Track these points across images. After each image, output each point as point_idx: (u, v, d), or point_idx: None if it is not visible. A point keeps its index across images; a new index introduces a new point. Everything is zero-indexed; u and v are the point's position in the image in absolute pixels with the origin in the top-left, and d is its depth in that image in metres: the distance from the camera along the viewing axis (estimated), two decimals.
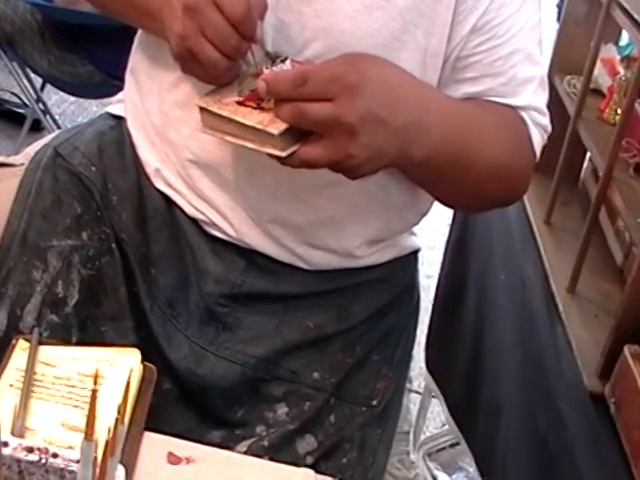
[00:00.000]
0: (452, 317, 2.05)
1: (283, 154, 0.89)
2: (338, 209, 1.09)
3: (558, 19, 1.99)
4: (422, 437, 2.41)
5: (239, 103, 0.92)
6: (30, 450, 0.78)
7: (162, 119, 1.09)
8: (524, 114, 1.07)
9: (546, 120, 1.10)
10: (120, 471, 0.78)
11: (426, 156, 0.95)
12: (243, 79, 0.94)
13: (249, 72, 0.94)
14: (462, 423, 1.96)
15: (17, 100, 3.61)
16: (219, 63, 0.90)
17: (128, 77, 1.18)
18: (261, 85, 0.89)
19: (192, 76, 0.95)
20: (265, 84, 0.88)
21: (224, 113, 0.91)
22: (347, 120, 0.87)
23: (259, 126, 0.88)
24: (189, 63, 0.92)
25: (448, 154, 0.98)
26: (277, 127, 0.88)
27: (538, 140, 1.09)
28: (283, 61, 0.94)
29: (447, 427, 2.37)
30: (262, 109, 0.90)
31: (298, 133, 0.89)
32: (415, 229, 1.22)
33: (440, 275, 2.21)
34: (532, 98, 1.07)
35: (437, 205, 1.19)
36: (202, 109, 0.93)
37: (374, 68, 0.91)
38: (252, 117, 0.90)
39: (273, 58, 0.94)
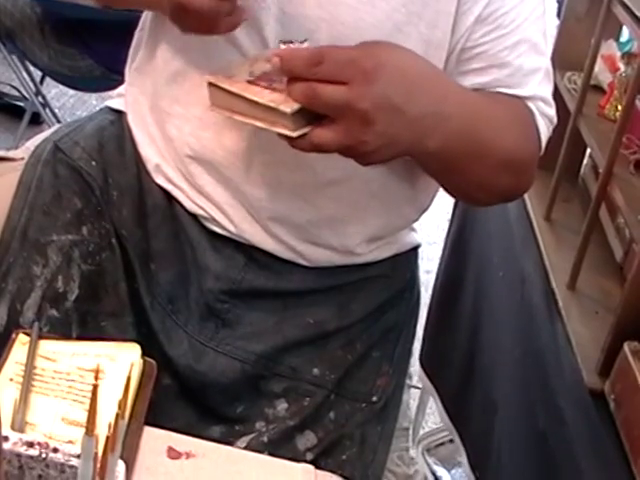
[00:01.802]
0: (448, 313, 2.05)
1: (294, 134, 0.87)
2: (339, 208, 1.09)
3: (559, 15, 1.99)
4: (421, 432, 2.41)
5: (250, 82, 0.90)
6: (30, 445, 0.78)
7: (162, 115, 1.09)
8: (531, 104, 1.06)
9: (552, 111, 1.10)
10: (120, 466, 0.78)
11: (440, 146, 0.94)
12: (255, 62, 0.92)
13: (261, 56, 0.93)
14: (456, 419, 1.96)
15: (16, 93, 3.61)
16: (206, 5, 0.87)
17: (128, 72, 1.17)
18: (275, 60, 0.86)
19: (191, 33, 0.92)
20: (279, 60, 0.86)
21: (234, 90, 0.89)
22: (361, 106, 0.86)
23: (271, 104, 0.86)
24: (183, 19, 0.90)
25: (462, 144, 0.97)
26: (290, 106, 0.86)
27: (544, 131, 1.09)
28: (302, 42, 0.92)
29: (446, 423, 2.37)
30: (274, 89, 0.88)
31: (310, 115, 0.87)
32: (415, 225, 1.22)
33: (438, 271, 2.21)
34: (538, 88, 1.07)
35: (437, 201, 1.19)
36: (211, 85, 0.91)
37: (391, 55, 0.90)
38: (263, 96, 0.88)
39: (289, 42, 0.92)
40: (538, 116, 1.07)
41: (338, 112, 0.86)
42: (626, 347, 1.26)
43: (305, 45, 0.92)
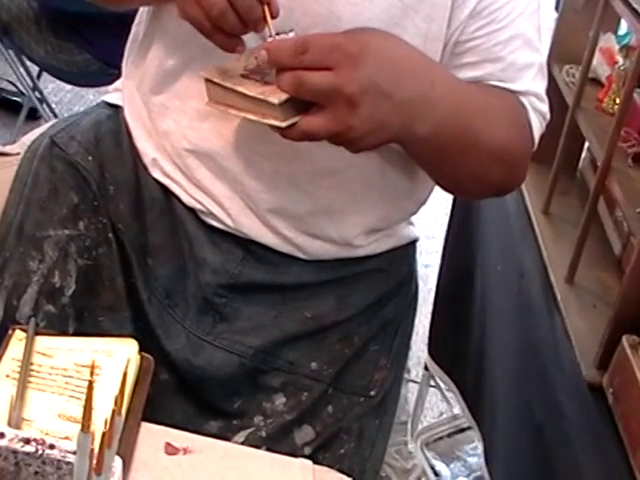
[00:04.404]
0: (457, 306, 2.04)
1: (283, 124, 0.88)
2: (337, 198, 1.08)
3: (557, 8, 1.99)
4: (420, 427, 2.42)
5: (243, 76, 0.92)
6: (27, 441, 0.77)
7: (159, 109, 1.09)
8: (524, 100, 1.06)
9: (545, 107, 1.10)
10: (117, 462, 0.78)
11: (430, 132, 0.94)
12: (249, 56, 0.94)
13: (256, 50, 0.94)
14: (474, 410, 1.95)
15: (13, 88, 3.60)
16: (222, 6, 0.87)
17: (125, 66, 1.17)
18: (263, 54, 0.88)
19: (191, 20, 0.91)
20: (267, 52, 0.88)
21: (227, 84, 0.91)
22: (347, 91, 0.86)
23: (260, 96, 0.88)
24: (188, 3, 0.89)
25: (451, 132, 0.97)
26: (278, 97, 0.88)
27: (537, 126, 1.09)
28: (287, 33, 0.93)
29: (445, 416, 2.37)
30: (266, 82, 0.91)
31: (300, 105, 0.89)
32: (413, 219, 1.22)
33: (441, 266, 2.21)
34: (531, 84, 1.06)
35: (435, 195, 1.19)
36: (207, 81, 0.93)
37: (377, 40, 0.90)
38: (254, 88, 0.90)
39: (279, 34, 0.94)
40: (531, 111, 1.07)
41: (325, 98, 0.87)
42: (624, 340, 1.26)
43: (291, 35, 0.93)
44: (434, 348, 2.20)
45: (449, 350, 2.12)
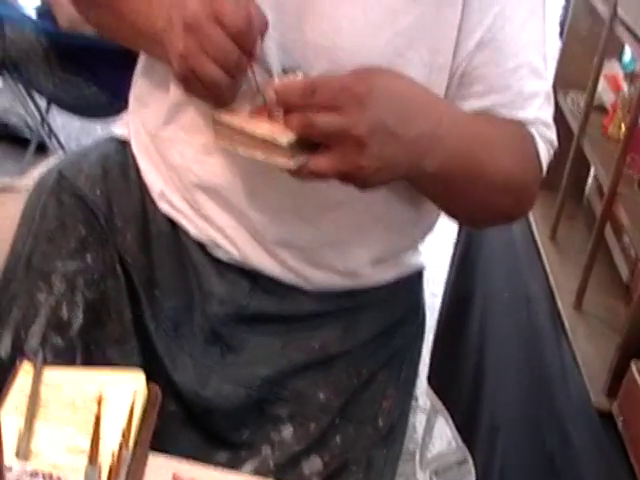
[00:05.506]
0: (456, 335, 2.04)
1: (292, 167, 0.89)
2: (343, 230, 1.09)
3: (561, 35, 2.00)
4: (429, 455, 2.40)
5: (251, 115, 0.92)
6: (35, 475, 0.77)
7: (165, 143, 1.09)
8: (531, 128, 1.07)
9: (553, 134, 1.10)
10: None
11: (438, 168, 0.95)
12: (257, 93, 0.94)
13: (263, 87, 0.94)
14: (467, 440, 1.95)
15: (22, 123, 3.62)
16: (221, 81, 0.90)
17: (131, 100, 1.18)
18: (271, 95, 0.89)
19: (194, 97, 0.95)
20: (275, 93, 0.89)
21: (235, 124, 0.92)
22: (356, 132, 0.87)
23: (268, 137, 0.89)
24: (191, 83, 0.92)
25: (459, 166, 0.98)
26: (287, 137, 0.88)
27: (545, 154, 1.09)
28: (295, 71, 0.94)
29: (454, 445, 2.36)
30: (273, 121, 0.91)
31: (308, 145, 0.89)
32: (420, 248, 1.22)
33: (444, 293, 2.21)
34: (539, 112, 1.07)
35: (442, 223, 1.19)
36: (215, 120, 0.94)
37: (384, 80, 0.91)
38: (262, 128, 0.90)
39: (287, 72, 0.95)
40: (539, 139, 1.07)
41: (334, 139, 0.88)
42: (633, 366, 1.25)
43: (299, 75, 0.94)
44: (433, 377, 2.20)
45: (445, 379, 2.12)
